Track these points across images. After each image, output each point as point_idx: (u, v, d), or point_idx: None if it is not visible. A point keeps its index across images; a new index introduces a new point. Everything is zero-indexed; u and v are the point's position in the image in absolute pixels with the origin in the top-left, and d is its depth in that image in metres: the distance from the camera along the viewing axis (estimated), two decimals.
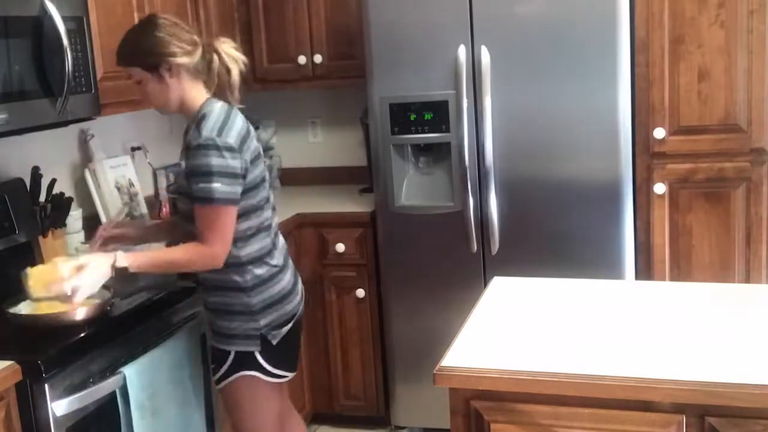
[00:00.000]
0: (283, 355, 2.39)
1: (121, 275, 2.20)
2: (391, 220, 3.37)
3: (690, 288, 2.34)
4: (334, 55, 3.71)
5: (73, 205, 2.95)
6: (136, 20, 2.77)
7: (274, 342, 2.34)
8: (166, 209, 3.36)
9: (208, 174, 2.15)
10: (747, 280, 3.08)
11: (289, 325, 2.38)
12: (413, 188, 3.35)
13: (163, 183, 3.46)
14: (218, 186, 2.16)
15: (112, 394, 2.20)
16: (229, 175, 2.18)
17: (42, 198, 2.82)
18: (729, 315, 2.01)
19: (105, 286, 2.45)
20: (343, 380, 3.64)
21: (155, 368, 2.33)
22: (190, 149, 2.19)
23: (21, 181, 2.76)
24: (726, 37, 2.96)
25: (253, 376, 2.34)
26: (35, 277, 2.23)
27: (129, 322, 2.33)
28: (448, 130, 3.21)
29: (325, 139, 4.20)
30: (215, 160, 2.16)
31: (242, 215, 2.26)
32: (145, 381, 2.27)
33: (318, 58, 3.71)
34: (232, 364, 2.34)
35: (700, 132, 3.06)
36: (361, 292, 3.53)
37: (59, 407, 2.02)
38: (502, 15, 3.08)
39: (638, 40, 3.05)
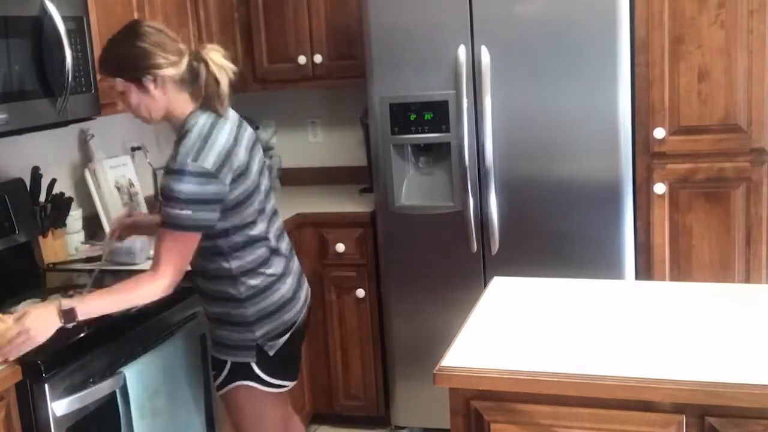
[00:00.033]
0: (280, 365, 2.34)
1: (69, 321, 2.02)
2: (391, 220, 3.37)
3: (690, 288, 2.34)
4: (334, 55, 3.71)
5: (73, 205, 2.95)
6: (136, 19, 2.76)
7: (271, 353, 2.29)
8: None
9: (177, 200, 2.06)
10: (747, 280, 3.08)
11: (287, 335, 2.32)
12: (413, 188, 3.36)
13: None
14: (187, 213, 2.07)
15: (112, 394, 2.20)
16: (200, 201, 2.08)
17: (42, 198, 2.83)
18: (729, 315, 2.01)
19: (106, 286, 2.46)
20: (343, 380, 3.64)
21: (155, 368, 2.33)
22: (165, 169, 2.12)
23: (21, 181, 2.76)
24: (726, 37, 2.96)
25: (250, 386, 2.30)
26: None
27: (129, 322, 2.32)
28: (448, 130, 3.21)
29: (325, 139, 4.20)
30: (186, 187, 2.06)
31: (229, 230, 2.20)
32: (145, 381, 2.27)
33: (318, 58, 3.71)
34: (229, 374, 2.31)
35: (700, 132, 3.06)
36: (361, 292, 3.53)
37: (59, 407, 2.02)
38: (502, 15, 3.08)
39: (638, 40, 3.05)
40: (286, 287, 2.33)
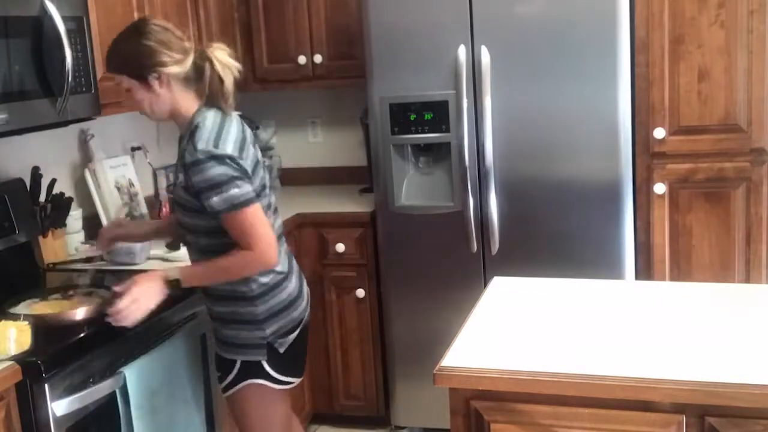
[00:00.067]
0: (290, 362, 2.35)
1: (174, 289, 2.21)
2: (391, 220, 3.37)
3: (690, 288, 2.34)
4: (334, 55, 3.71)
5: (73, 205, 2.95)
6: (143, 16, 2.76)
7: (281, 350, 2.30)
8: (166, 209, 3.36)
9: (218, 185, 2.10)
10: (747, 280, 3.08)
11: (296, 332, 2.34)
12: (413, 188, 3.36)
13: (163, 183, 3.46)
14: (234, 192, 2.10)
15: (112, 394, 2.20)
16: (238, 178, 2.12)
17: (42, 198, 2.82)
18: (729, 315, 2.01)
19: (106, 286, 2.46)
20: (343, 380, 3.64)
21: (155, 368, 2.33)
22: (188, 165, 2.13)
23: (21, 181, 2.76)
24: (726, 37, 2.96)
25: (260, 384, 2.31)
26: None
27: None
28: (448, 130, 3.21)
29: (325, 139, 4.20)
30: (219, 169, 2.10)
31: None
32: (145, 381, 2.27)
33: (318, 58, 3.71)
34: (239, 373, 2.31)
35: (700, 132, 3.06)
36: (361, 292, 3.53)
37: (59, 407, 2.02)
38: (502, 15, 3.08)
39: (638, 40, 3.05)
40: (292, 285, 2.35)
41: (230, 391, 2.35)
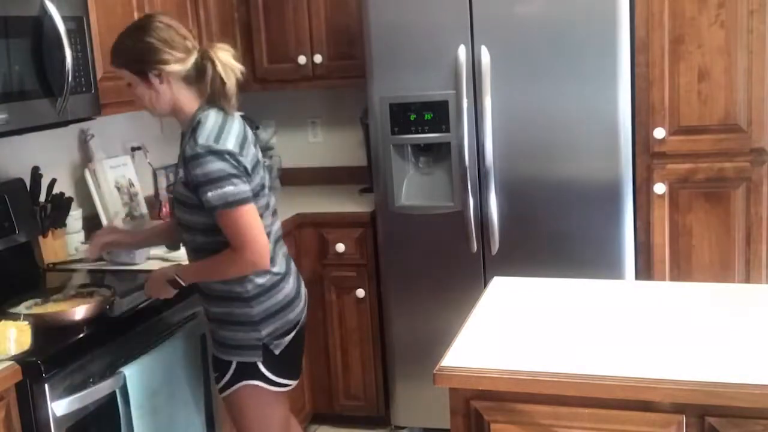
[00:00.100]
0: (286, 364, 2.35)
1: (176, 287, 2.30)
2: (391, 220, 3.37)
3: (690, 288, 2.34)
4: (334, 55, 3.71)
5: (73, 205, 2.95)
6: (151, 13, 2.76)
7: (277, 352, 2.30)
8: (166, 209, 3.36)
9: (215, 180, 2.10)
10: (747, 280, 3.08)
11: (292, 334, 2.34)
12: (413, 188, 3.36)
13: (163, 183, 3.46)
14: (230, 189, 2.10)
15: (112, 394, 2.20)
16: (235, 176, 2.12)
17: (42, 198, 2.82)
18: (729, 315, 2.01)
19: (107, 286, 2.46)
20: (343, 380, 3.64)
21: (155, 368, 2.33)
22: (188, 159, 2.13)
23: (21, 181, 2.76)
24: (726, 37, 2.96)
25: (256, 386, 2.30)
26: None
27: (129, 322, 2.33)
28: (448, 130, 3.21)
29: (325, 139, 4.20)
30: (218, 165, 2.10)
31: None
32: (144, 381, 2.27)
33: (318, 58, 3.71)
34: (234, 374, 2.30)
35: (700, 132, 3.06)
36: (361, 292, 3.53)
37: (59, 407, 2.02)
38: (502, 15, 3.08)
39: (638, 40, 3.05)
40: (289, 286, 2.34)
41: (226, 392, 2.35)
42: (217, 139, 2.14)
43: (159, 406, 2.33)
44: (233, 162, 2.13)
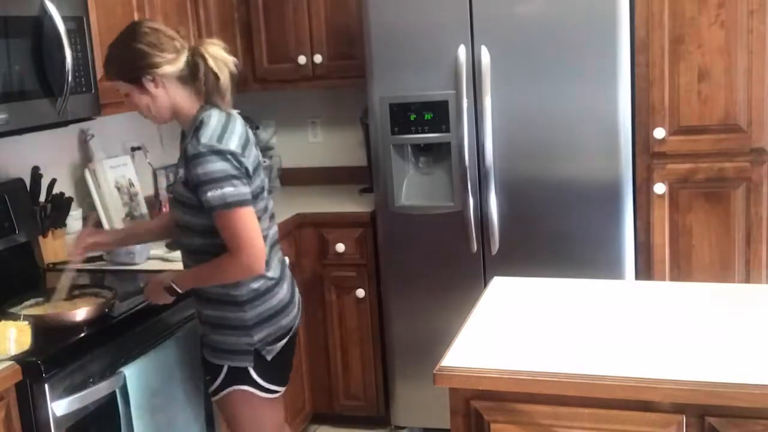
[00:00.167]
0: (277, 370, 2.33)
1: (173, 294, 2.28)
2: (391, 220, 3.37)
3: (690, 288, 2.34)
4: (334, 55, 3.71)
5: (73, 205, 2.96)
6: (136, 19, 2.76)
7: (269, 358, 2.28)
8: (166, 209, 3.36)
9: (215, 180, 2.09)
10: (747, 280, 3.08)
11: (285, 340, 2.32)
12: (413, 188, 3.35)
13: (163, 183, 3.46)
14: (230, 190, 2.09)
15: (112, 394, 2.20)
16: (235, 177, 2.11)
17: (42, 198, 2.83)
18: (729, 315, 2.01)
19: (108, 287, 2.46)
20: (343, 380, 3.64)
21: (155, 368, 2.33)
22: (190, 158, 2.12)
23: (21, 181, 2.76)
24: (726, 37, 2.96)
25: (246, 391, 2.29)
26: None
27: (129, 322, 2.33)
28: (448, 130, 3.21)
29: (325, 139, 4.20)
30: (220, 165, 2.09)
31: None
32: (144, 381, 2.27)
33: (318, 58, 3.71)
34: (225, 379, 2.29)
35: (700, 132, 3.06)
36: (361, 292, 3.53)
37: (59, 407, 2.02)
38: (502, 15, 3.08)
39: (638, 40, 3.05)
40: (283, 292, 2.33)
41: (217, 396, 2.33)
42: (220, 138, 2.13)
43: (159, 406, 2.33)
44: (235, 163, 2.12)
